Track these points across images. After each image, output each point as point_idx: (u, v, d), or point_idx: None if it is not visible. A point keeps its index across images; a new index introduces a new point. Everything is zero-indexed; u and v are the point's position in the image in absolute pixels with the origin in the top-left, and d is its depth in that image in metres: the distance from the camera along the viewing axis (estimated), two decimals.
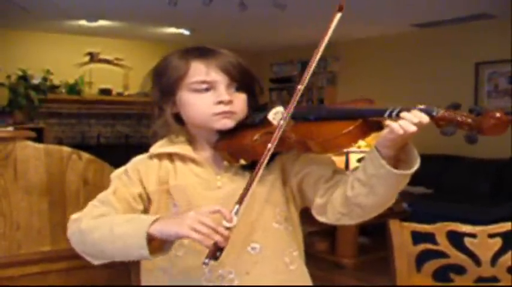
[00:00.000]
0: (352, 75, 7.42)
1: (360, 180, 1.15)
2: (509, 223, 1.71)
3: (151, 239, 1.13)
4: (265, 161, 1.16)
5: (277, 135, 1.17)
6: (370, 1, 5.18)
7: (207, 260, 1.09)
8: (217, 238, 1.07)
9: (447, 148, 5.61)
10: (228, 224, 1.10)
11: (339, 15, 1.21)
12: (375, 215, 1.23)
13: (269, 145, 1.16)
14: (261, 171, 1.16)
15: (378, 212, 1.22)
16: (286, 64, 8.34)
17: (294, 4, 5.03)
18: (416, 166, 1.11)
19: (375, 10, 5.58)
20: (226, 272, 1.25)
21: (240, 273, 1.25)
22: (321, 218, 1.26)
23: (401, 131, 1.05)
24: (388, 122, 1.07)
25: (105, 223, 1.21)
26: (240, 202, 1.13)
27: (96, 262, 1.26)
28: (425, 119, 1.04)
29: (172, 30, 6.75)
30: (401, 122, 1.05)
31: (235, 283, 1.25)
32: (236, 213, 1.12)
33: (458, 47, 6.22)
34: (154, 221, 1.14)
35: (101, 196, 1.31)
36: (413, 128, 1.04)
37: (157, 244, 1.16)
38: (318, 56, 1.22)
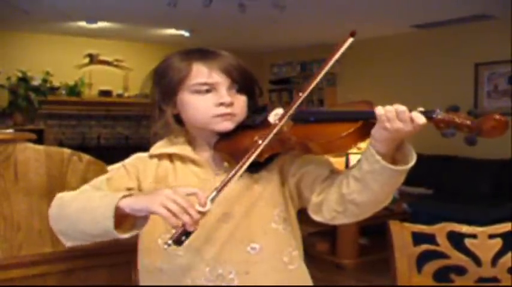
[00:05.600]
0: (352, 76, 7.43)
1: (355, 177, 1.16)
2: (510, 224, 1.71)
3: (123, 216, 1.13)
4: (255, 155, 1.16)
5: (270, 132, 1.17)
6: (370, 2, 5.19)
7: (169, 242, 1.07)
8: (186, 218, 1.06)
9: (447, 148, 5.61)
10: (200, 208, 1.08)
11: (350, 40, 1.21)
12: (370, 215, 1.23)
13: (257, 138, 1.17)
14: (248, 162, 1.16)
15: (372, 210, 1.22)
16: (285, 65, 8.35)
17: (294, 5, 5.04)
18: (411, 163, 1.12)
19: (374, 11, 5.58)
20: (226, 272, 1.25)
21: (240, 273, 1.25)
22: (317, 217, 1.26)
23: (383, 118, 1.06)
24: (377, 111, 1.08)
25: (84, 196, 1.23)
26: (219, 189, 1.12)
27: (68, 243, 1.26)
28: (420, 119, 1.05)
29: (172, 31, 6.75)
30: (388, 107, 1.07)
31: (235, 283, 1.25)
32: (212, 199, 1.10)
33: (457, 47, 6.22)
34: (127, 195, 1.15)
35: (94, 181, 1.32)
36: (398, 124, 1.06)
37: (131, 222, 1.16)
38: (323, 72, 1.23)
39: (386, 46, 6.99)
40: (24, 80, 6.34)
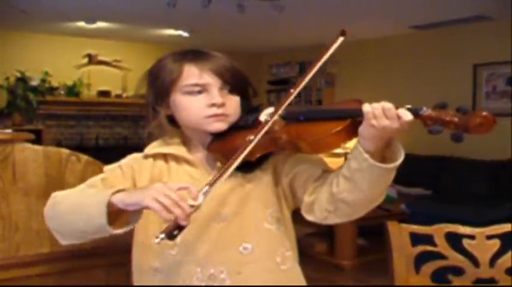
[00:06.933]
0: (350, 77, 7.43)
1: (344, 175, 1.16)
2: (508, 225, 1.71)
3: (117, 212, 1.14)
4: (246, 151, 1.16)
5: (261, 130, 1.17)
6: (368, 3, 5.20)
7: (162, 235, 1.06)
8: (177, 211, 1.05)
9: (446, 149, 5.62)
10: (192, 202, 1.08)
11: (341, 39, 1.22)
12: (362, 214, 1.23)
13: (251, 137, 1.17)
14: (240, 158, 1.16)
15: (365, 209, 1.22)
16: (284, 66, 8.34)
17: (292, 6, 5.04)
18: (399, 160, 1.12)
19: (373, 12, 5.58)
20: (218, 271, 1.25)
21: (232, 273, 1.26)
22: (309, 217, 1.26)
23: (370, 115, 1.07)
24: (364, 108, 1.08)
25: (76, 195, 1.25)
26: (211, 183, 1.12)
27: (64, 241, 1.27)
28: (406, 115, 1.05)
29: (171, 31, 6.75)
30: (374, 105, 1.07)
31: (227, 283, 1.25)
32: (204, 193, 1.10)
33: (456, 48, 6.22)
34: (119, 191, 1.15)
35: (89, 181, 1.33)
36: (385, 122, 1.06)
37: (125, 218, 1.16)
38: (312, 73, 1.23)
39: (385, 47, 6.99)
40: (22, 80, 6.34)
